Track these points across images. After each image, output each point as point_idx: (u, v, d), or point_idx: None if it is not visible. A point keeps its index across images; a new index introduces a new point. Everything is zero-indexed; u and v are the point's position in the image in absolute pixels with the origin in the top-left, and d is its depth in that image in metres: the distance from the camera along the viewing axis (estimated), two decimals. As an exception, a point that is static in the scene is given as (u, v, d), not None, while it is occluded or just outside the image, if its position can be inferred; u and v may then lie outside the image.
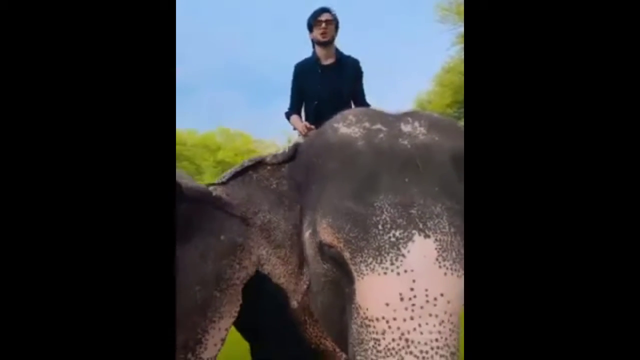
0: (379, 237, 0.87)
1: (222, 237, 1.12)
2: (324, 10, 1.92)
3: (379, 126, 1.06)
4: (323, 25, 1.89)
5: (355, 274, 0.90)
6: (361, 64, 2.05)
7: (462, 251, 0.89)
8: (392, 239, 0.87)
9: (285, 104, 2.10)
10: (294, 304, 1.16)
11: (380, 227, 0.88)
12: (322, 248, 0.98)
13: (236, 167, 1.22)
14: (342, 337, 0.99)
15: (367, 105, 1.96)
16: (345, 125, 1.09)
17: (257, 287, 1.18)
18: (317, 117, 1.83)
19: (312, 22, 1.93)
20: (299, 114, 2.05)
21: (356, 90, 2.01)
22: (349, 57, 2.02)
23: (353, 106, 1.93)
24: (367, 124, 1.07)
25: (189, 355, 1.08)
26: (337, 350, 1.25)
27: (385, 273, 0.86)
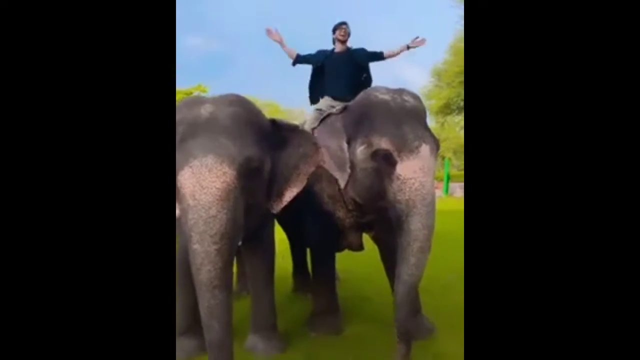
0: (409, 144, 1.98)
1: (300, 150, 2.12)
2: (343, 23, 2.97)
3: (395, 95, 2.17)
4: (342, 31, 2.94)
5: (398, 160, 1.97)
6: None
7: (435, 146, 2.07)
8: (415, 145, 1.98)
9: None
10: (342, 184, 2.20)
11: (408, 140, 1.98)
12: (377, 152, 2.03)
13: (321, 117, 2.40)
14: (371, 201, 2.17)
15: (369, 73, 3.04)
16: (381, 94, 2.18)
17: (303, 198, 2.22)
18: (331, 82, 2.91)
19: (336, 27, 2.97)
20: (297, 62, 3.09)
21: (366, 65, 3.02)
22: (357, 49, 3.00)
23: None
24: (391, 94, 2.17)
25: (274, 201, 2.06)
26: (345, 215, 2.45)
27: (414, 159, 1.96)
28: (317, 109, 2.85)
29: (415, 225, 1.93)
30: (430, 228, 1.95)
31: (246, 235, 1.92)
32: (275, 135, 2.04)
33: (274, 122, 2.08)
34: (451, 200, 11.79)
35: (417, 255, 1.93)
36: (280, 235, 3.46)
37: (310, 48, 3.07)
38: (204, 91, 10.47)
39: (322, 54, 2.99)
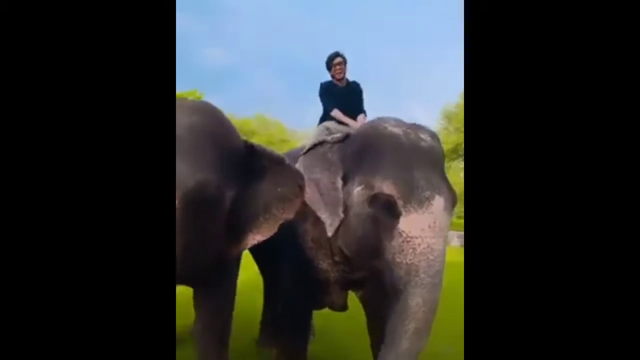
0: (419, 193, 1.57)
1: (278, 189, 1.70)
2: (337, 54, 2.66)
3: (409, 130, 1.74)
4: (337, 67, 2.65)
5: (403, 211, 1.56)
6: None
7: (451, 200, 1.65)
8: (425, 196, 1.57)
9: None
10: (330, 231, 1.75)
11: (418, 188, 1.57)
12: (376, 196, 1.61)
13: (312, 143, 1.95)
14: (363, 257, 1.75)
15: (364, 110, 2.72)
16: (391, 126, 1.75)
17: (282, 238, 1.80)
18: (331, 118, 2.58)
19: (330, 64, 2.67)
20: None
21: (360, 100, 2.76)
22: (354, 82, 2.77)
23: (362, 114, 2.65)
24: (404, 128, 1.75)
25: (231, 244, 1.65)
26: (331, 267, 2.00)
27: (423, 213, 1.56)
28: (325, 127, 2.49)
29: (415, 299, 1.51)
30: (433, 304, 1.53)
31: (193, 279, 1.54)
32: (251, 163, 1.65)
33: (251, 147, 1.69)
34: (447, 250, 11.33)
35: (412, 339, 1.50)
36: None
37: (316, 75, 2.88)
38: (199, 98, 9.83)
39: (330, 93, 2.68)
